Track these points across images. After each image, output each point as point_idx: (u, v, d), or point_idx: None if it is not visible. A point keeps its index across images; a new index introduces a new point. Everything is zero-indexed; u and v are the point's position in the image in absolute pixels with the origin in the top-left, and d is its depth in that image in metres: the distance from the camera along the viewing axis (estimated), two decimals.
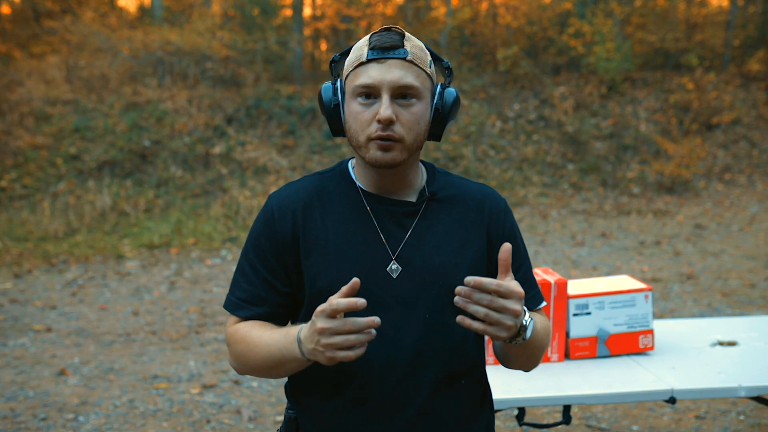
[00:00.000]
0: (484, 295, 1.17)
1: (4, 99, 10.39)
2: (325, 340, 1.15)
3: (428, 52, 1.34)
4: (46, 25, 12.71)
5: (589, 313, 2.32)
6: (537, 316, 1.41)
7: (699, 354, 2.40)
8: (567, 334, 2.34)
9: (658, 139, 10.94)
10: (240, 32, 12.21)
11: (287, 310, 1.42)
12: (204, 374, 4.22)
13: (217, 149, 9.93)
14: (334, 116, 1.35)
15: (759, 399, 2.37)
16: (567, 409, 2.18)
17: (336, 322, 1.14)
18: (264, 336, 1.33)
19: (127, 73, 11.37)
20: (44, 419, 3.62)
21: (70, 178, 9.37)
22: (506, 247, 1.21)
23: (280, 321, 1.41)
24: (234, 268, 1.72)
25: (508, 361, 1.43)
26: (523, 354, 1.36)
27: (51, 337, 4.92)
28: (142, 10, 14.99)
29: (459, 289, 1.18)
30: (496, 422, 3.50)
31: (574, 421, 3.50)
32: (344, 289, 1.16)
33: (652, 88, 11.98)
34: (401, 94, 1.27)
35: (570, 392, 2.11)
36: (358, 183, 1.39)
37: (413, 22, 13.80)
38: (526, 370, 1.45)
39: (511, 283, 1.18)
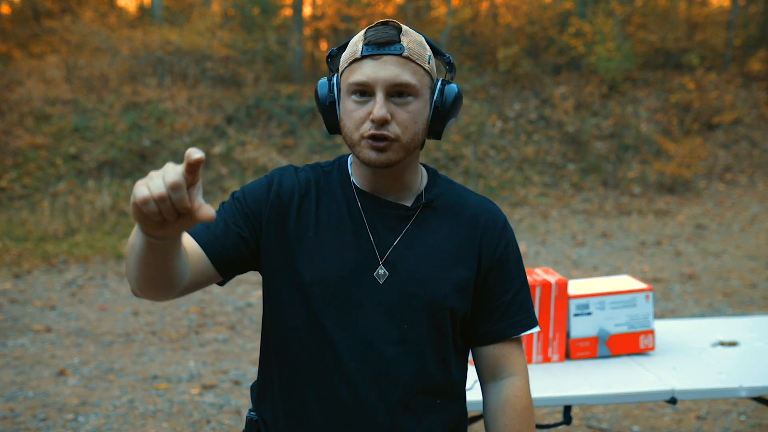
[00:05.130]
0: None
1: (4, 99, 10.39)
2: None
3: (428, 47, 1.28)
4: (46, 24, 12.70)
5: (589, 314, 2.32)
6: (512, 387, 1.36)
7: (700, 354, 2.39)
8: (567, 335, 2.33)
9: (658, 139, 10.93)
10: (240, 32, 12.21)
11: (239, 253, 1.28)
12: (204, 374, 4.21)
13: (217, 149, 9.92)
14: (329, 113, 1.30)
15: (760, 399, 2.36)
16: (567, 409, 2.18)
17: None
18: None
19: (126, 72, 11.36)
20: (44, 419, 3.62)
21: (70, 178, 9.36)
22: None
23: (224, 258, 1.26)
24: None
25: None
26: None
27: (51, 338, 4.92)
28: (142, 9, 14.98)
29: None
30: None
31: (574, 421, 3.49)
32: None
33: (652, 87, 11.96)
34: (397, 91, 1.21)
35: (570, 392, 2.10)
36: (353, 179, 1.34)
37: (413, 21, 13.79)
38: None
39: None
